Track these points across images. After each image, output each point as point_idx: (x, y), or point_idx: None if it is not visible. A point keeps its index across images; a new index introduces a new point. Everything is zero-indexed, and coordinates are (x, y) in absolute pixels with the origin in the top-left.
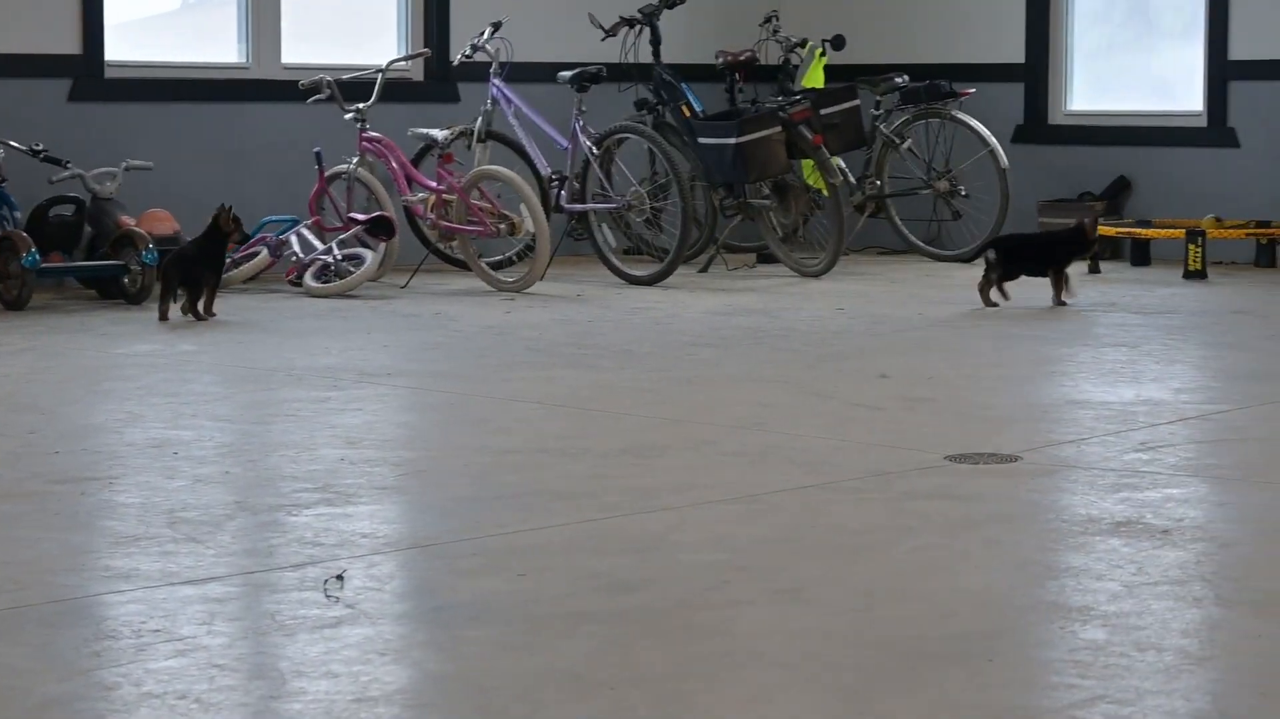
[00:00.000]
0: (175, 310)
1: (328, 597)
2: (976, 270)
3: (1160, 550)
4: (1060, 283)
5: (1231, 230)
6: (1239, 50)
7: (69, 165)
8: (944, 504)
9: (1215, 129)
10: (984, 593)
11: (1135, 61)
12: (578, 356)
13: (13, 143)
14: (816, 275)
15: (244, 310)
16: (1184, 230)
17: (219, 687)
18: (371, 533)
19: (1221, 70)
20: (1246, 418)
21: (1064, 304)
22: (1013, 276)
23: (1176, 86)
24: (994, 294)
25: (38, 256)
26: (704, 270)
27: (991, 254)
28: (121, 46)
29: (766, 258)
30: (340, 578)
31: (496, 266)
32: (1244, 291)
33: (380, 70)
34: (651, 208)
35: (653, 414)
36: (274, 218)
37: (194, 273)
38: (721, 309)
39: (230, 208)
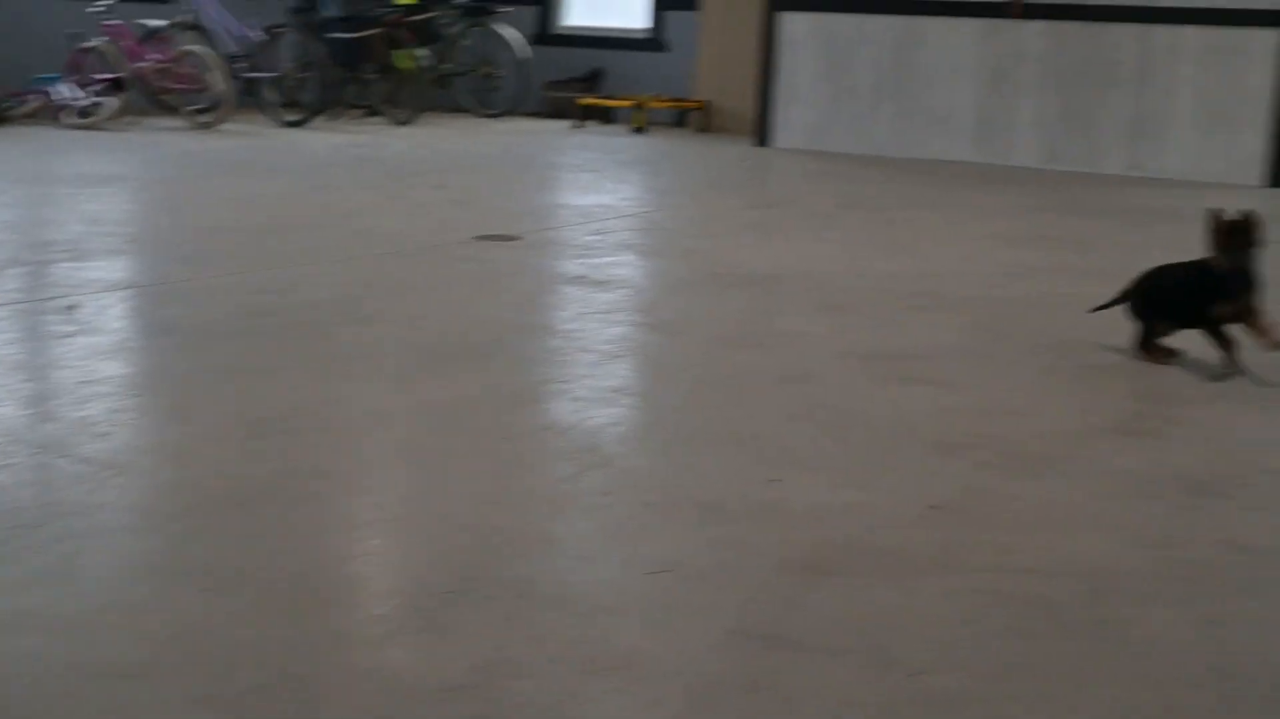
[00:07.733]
0: None
1: (68, 318)
2: (497, 123)
3: (598, 294)
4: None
5: (661, 103)
6: None
7: None
8: (472, 265)
9: (654, 39)
10: (491, 318)
11: None
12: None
13: None
14: (405, 124)
15: (23, 140)
16: (633, 101)
17: None
18: (99, 279)
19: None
20: (663, 215)
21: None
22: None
23: (629, 10)
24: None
25: None
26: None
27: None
28: None
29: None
30: (75, 306)
31: (196, 114)
32: (667, 142)
33: None
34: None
35: (282, 212)
36: (44, 76)
37: None
38: (343, 144)
39: None
